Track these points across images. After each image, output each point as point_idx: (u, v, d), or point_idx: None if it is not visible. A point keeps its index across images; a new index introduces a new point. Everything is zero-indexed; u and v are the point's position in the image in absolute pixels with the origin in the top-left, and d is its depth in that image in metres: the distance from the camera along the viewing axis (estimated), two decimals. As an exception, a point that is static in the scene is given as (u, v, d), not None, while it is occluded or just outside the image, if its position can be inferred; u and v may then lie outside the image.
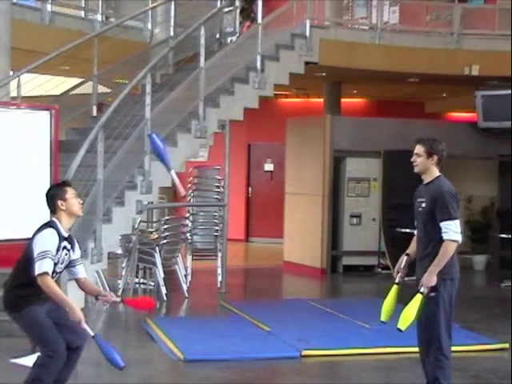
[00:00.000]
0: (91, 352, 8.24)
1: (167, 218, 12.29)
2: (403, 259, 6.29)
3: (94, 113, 11.77)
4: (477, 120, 14.91)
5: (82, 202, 5.93)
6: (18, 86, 10.36)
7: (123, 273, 11.67)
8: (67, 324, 5.75)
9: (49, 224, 5.71)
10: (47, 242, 5.59)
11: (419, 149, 6.18)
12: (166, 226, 11.60)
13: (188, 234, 12.49)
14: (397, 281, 6.23)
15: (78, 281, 5.91)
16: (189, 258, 12.56)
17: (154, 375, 7.80)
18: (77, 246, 5.90)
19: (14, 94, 10.43)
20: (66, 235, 5.74)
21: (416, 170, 6.23)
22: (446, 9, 14.61)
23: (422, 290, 5.93)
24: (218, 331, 9.23)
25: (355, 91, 17.93)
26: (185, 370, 7.76)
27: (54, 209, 5.78)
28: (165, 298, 11.19)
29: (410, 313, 5.93)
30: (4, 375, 7.01)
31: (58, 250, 5.64)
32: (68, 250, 5.76)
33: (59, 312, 5.77)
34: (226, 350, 8.31)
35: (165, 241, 11.49)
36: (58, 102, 10.87)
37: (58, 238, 5.64)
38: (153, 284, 11.83)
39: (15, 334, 7.78)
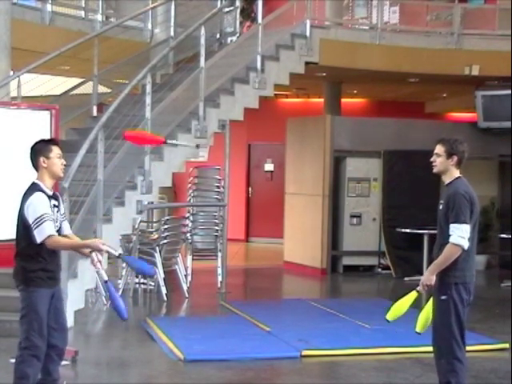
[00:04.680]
0: (91, 352, 8.28)
1: (167, 217, 12.28)
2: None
3: (94, 113, 11.76)
4: (477, 120, 14.92)
5: (65, 163, 5.85)
6: (18, 86, 10.34)
7: (123, 273, 11.67)
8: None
9: (34, 188, 5.68)
10: (39, 206, 5.59)
11: (439, 149, 6.05)
12: (166, 226, 11.60)
13: (188, 234, 12.50)
14: (418, 289, 6.03)
15: (64, 237, 5.84)
16: (189, 257, 12.57)
17: (154, 375, 7.79)
18: (61, 201, 5.92)
19: (14, 94, 10.42)
20: (50, 193, 5.75)
21: (435, 170, 6.11)
22: (446, 9, 14.61)
23: (418, 288, 5.94)
24: (218, 331, 9.23)
25: (355, 91, 17.93)
26: (185, 369, 7.75)
27: (35, 166, 5.76)
28: (165, 298, 11.20)
29: (401, 307, 5.99)
30: (4, 375, 7.00)
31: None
32: (57, 207, 5.78)
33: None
34: (226, 350, 8.31)
35: (165, 241, 11.49)
36: (57, 102, 10.86)
37: (47, 199, 5.65)
38: (153, 284, 11.84)
39: (15, 334, 7.78)
